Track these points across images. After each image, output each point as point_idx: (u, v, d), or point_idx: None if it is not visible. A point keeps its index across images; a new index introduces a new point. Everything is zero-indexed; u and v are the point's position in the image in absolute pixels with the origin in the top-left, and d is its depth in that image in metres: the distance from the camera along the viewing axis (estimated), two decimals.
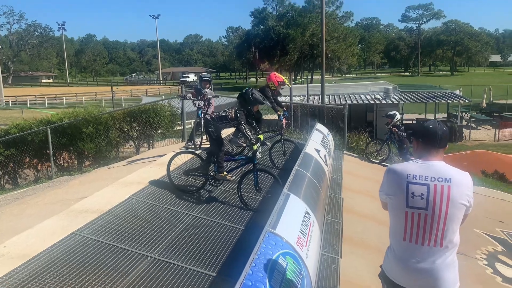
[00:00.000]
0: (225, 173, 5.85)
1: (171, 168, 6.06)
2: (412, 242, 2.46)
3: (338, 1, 70.86)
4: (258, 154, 6.03)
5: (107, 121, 11.11)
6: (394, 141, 9.65)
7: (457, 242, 2.48)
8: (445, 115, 28.75)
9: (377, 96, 24.88)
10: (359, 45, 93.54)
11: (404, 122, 26.05)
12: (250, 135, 5.77)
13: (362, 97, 24.92)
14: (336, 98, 24.58)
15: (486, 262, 5.50)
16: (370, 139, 11.61)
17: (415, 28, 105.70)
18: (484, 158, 17.94)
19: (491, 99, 35.84)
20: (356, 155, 10.52)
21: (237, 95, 6.35)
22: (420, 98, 24.49)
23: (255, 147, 5.69)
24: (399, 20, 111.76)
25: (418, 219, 2.43)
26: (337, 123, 12.15)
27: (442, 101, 25.25)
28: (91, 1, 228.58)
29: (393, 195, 2.53)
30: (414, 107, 29.13)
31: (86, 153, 11.60)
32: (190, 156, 6.68)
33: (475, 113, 30.90)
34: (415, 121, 26.90)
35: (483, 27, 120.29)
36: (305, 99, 23.21)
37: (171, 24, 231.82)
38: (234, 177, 5.96)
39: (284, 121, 7.94)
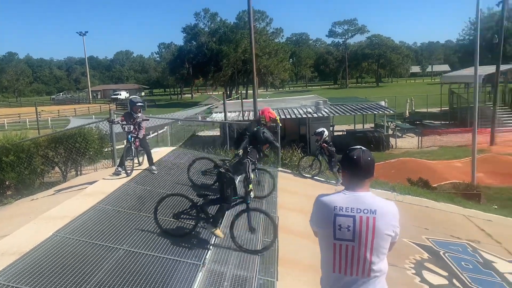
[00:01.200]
0: (219, 230, 5.43)
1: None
2: (341, 273, 2.50)
3: (268, 18, 72.75)
4: (252, 194, 6.02)
5: (29, 148, 10.40)
6: (324, 156, 10.02)
7: (385, 268, 2.53)
8: (373, 125, 30.28)
9: (309, 110, 25.65)
10: (290, 59, 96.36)
11: (335, 133, 27.18)
12: (251, 174, 5.76)
13: (295, 111, 25.57)
14: None
15: (414, 271, 5.77)
16: (302, 155, 11.89)
17: (341, 42, 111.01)
18: (409, 165, 19.04)
19: (413, 108, 38.33)
20: (290, 171, 10.70)
21: (250, 134, 6.40)
22: (348, 111, 25.57)
23: (250, 186, 5.68)
24: (326, 35, 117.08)
25: (346, 251, 2.46)
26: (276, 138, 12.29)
27: (369, 112, 26.57)
28: (10, 18, 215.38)
29: (321, 227, 2.56)
30: (343, 119, 30.37)
31: (7, 183, 10.77)
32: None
33: (400, 122, 32.80)
34: (344, 132, 28.07)
35: (403, 40, 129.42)
36: (240, 114, 23.34)
37: (100, 40, 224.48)
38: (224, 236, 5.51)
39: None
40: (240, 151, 6.08)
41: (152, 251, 4.98)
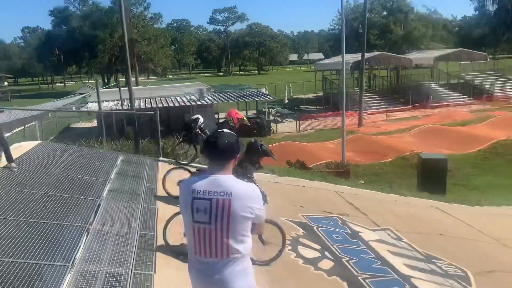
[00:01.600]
0: None
1: None
2: (201, 256, 2.53)
3: (146, 2, 69.96)
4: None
5: None
6: (200, 143, 9.93)
7: (246, 250, 2.56)
8: (255, 111, 31.24)
9: (192, 97, 25.47)
10: (172, 46, 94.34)
11: (220, 120, 27.39)
12: None
13: (178, 99, 25.17)
14: (152, 101, 24.22)
15: (290, 247, 6.05)
16: (178, 141, 11.68)
17: (222, 30, 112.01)
18: (289, 148, 20.10)
19: (292, 95, 40.47)
20: (173, 160, 10.46)
21: (245, 146, 5.77)
22: (231, 98, 26.03)
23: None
24: (208, 22, 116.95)
25: (204, 233, 2.49)
26: (156, 127, 11.89)
27: (251, 99, 27.36)
28: None
29: (183, 210, 2.58)
30: (227, 106, 30.76)
31: None
32: None
33: (280, 108, 34.40)
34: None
35: (281, 29, 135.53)
36: (119, 103, 22.17)
37: None
38: None
39: None
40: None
41: (12, 257, 4.42)
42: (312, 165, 15.35)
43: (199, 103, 24.10)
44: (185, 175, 7.67)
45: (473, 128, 23.01)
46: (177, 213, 5.10)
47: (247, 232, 2.54)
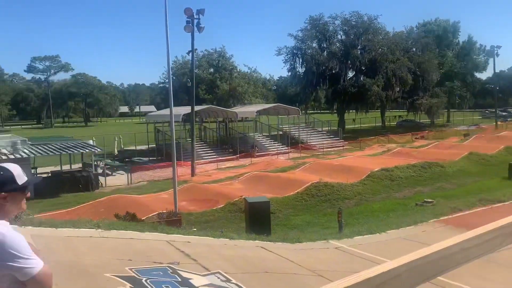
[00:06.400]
0: None
1: None
2: None
3: None
4: None
5: None
6: None
7: None
8: (81, 164, 29.07)
9: (4, 151, 22.45)
10: None
11: (40, 175, 24.56)
12: None
13: None
14: None
15: None
16: None
17: (43, 79, 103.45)
18: (119, 202, 19.10)
19: (122, 146, 39.13)
20: None
21: None
22: (52, 150, 23.79)
23: None
24: (25, 71, 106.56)
25: None
26: None
27: (75, 151, 25.45)
28: None
29: None
30: (48, 159, 27.95)
31: None
32: None
33: (110, 161, 32.76)
34: (49, 174, 25.81)
35: (110, 81, 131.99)
36: None
37: None
38: None
39: None
40: None
41: None
42: (144, 217, 14.85)
43: (11, 157, 21.31)
44: None
45: (291, 173, 25.60)
46: None
47: None
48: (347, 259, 10.30)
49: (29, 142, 25.17)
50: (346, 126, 55.14)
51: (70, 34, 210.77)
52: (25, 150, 23.04)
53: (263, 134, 45.13)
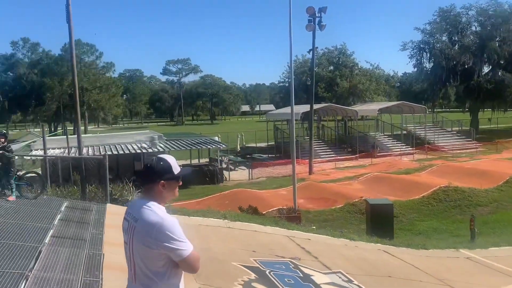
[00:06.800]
0: None
1: None
2: (128, 276, 2.55)
3: (98, 51, 69.85)
4: None
5: None
6: None
7: (155, 285, 2.42)
8: (208, 159, 31.18)
9: (143, 145, 25.12)
10: (124, 95, 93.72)
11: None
12: None
13: (129, 146, 24.75)
14: (101, 149, 23.63)
15: None
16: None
17: (176, 80, 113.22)
18: (241, 195, 20.05)
19: (244, 143, 40.97)
20: (121, 206, 10.14)
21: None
22: (183, 145, 25.90)
23: None
24: (161, 73, 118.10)
25: (125, 251, 2.55)
26: (104, 173, 11.55)
27: (203, 147, 27.37)
28: None
29: None
30: (179, 154, 30.55)
31: None
32: None
33: (233, 156, 34.56)
34: (181, 167, 28.12)
35: (233, 81, 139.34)
36: (65, 151, 21.43)
37: None
38: None
39: None
40: None
41: None
42: (264, 212, 15.36)
43: (150, 150, 23.77)
44: None
45: (416, 176, 24.09)
46: None
47: (154, 265, 2.41)
48: (481, 271, 9.38)
49: (164, 138, 27.79)
50: (480, 126, 49.85)
51: (199, 38, 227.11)
52: (161, 145, 25.49)
53: (385, 133, 43.19)
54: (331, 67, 56.99)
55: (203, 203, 18.62)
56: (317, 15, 26.32)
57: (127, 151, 23.31)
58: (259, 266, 7.34)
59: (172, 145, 25.87)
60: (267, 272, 7.07)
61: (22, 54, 71.39)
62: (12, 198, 8.35)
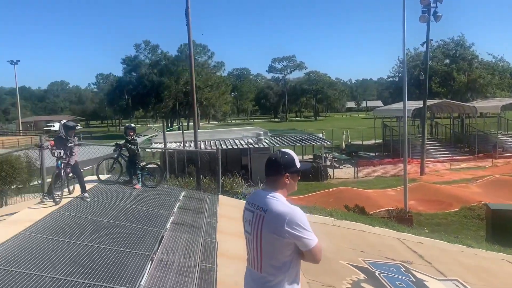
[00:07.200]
0: None
1: None
2: (249, 265, 2.68)
3: (210, 51, 73.79)
4: None
5: None
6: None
7: (281, 274, 2.51)
8: (311, 156, 31.12)
9: (250, 140, 25.96)
10: (232, 93, 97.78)
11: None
12: None
13: (237, 142, 25.76)
14: (211, 143, 24.96)
15: None
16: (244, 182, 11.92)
17: (281, 78, 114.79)
18: (346, 194, 19.65)
19: (349, 140, 40.04)
20: (231, 198, 10.64)
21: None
22: (288, 142, 26.17)
23: None
24: (266, 71, 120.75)
25: (248, 242, 2.64)
26: (214, 167, 12.23)
27: (308, 143, 27.37)
28: None
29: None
30: (284, 149, 30.94)
31: None
32: None
33: (337, 154, 34.03)
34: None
35: (339, 77, 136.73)
36: (181, 145, 23.06)
37: (33, 70, 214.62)
38: None
39: None
40: None
41: (82, 278, 4.66)
42: (371, 212, 14.89)
43: (256, 146, 24.49)
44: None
45: None
46: None
47: (282, 254, 2.49)
48: None
49: (270, 134, 28.39)
50: None
51: (305, 35, 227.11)
52: (266, 141, 26.08)
53: (509, 132, 38.87)
54: (447, 60, 52.87)
55: (306, 199, 18.65)
56: (432, 5, 24.64)
57: (234, 146, 24.29)
58: (368, 266, 7.16)
59: (277, 141, 26.31)
60: (376, 274, 6.86)
61: (143, 56, 78.57)
62: (138, 186, 9.26)
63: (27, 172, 10.44)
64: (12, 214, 6.93)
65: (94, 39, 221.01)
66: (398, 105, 37.75)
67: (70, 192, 7.94)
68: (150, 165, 10.88)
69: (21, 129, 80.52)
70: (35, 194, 10.64)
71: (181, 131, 25.38)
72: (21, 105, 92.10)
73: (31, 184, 11.03)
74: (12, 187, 10.52)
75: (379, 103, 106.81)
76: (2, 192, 10.38)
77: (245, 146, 24.26)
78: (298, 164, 2.65)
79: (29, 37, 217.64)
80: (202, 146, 23.78)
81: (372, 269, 7.09)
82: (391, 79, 63.82)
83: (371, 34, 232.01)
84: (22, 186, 10.76)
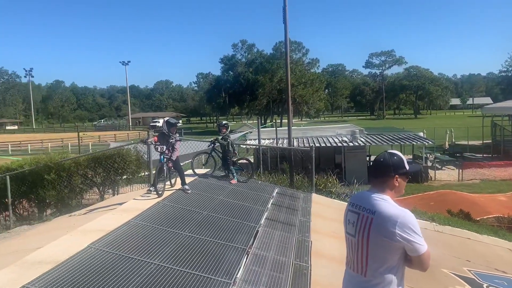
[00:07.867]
0: None
1: None
2: (350, 268, 2.58)
3: (304, 48, 73.63)
4: None
5: (70, 167, 10.75)
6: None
7: (386, 279, 2.41)
8: (411, 156, 29.51)
9: (344, 138, 25.38)
10: (326, 90, 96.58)
11: (416, 163, 26.24)
12: None
13: (330, 139, 25.36)
14: (304, 141, 24.90)
15: None
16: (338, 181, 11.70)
17: (378, 73, 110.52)
18: (449, 197, 18.30)
19: (453, 140, 37.21)
20: (325, 197, 10.52)
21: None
22: (385, 140, 25.10)
23: None
24: (363, 66, 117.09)
25: (351, 245, 2.55)
26: (306, 165, 12.20)
27: (407, 143, 25.97)
28: (60, 47, 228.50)
29: (344, 220, 2.69)
30: (380, 149, 29.80)
31: (47, 201, 11.13)
32: None
33: (439, 154, 31.84)
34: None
35: (442, 72, 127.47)
36: (274, 142, 23.38)
37: (141, 70, 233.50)
38: None
39: None
40: None
41: (183, 267, 4.95)
42: (478, 218, 13.68)
43: (351, 144, 23.88)
44: None
45: None
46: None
47: (390, 258, 2.40)
48: None
49: (365, 132, 27.48)
50: None
51: (404, 29, 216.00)
52: (362, 139, 25.28)
53: None
54: None
55: (404, 201, 17.70)
56: None
57: (328, 144, 23.94)
58: (474, 277, 6.59)
59: (373, 140, 25.37)
60: (484, 286, 6.29)
61: (240, 55, 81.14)
62: (234, 181, 9.58)
63: (136, 164, 11.36)
64: (121, 204, 7.60)
65: (196, 41, 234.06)
66: (511, 102, 34.14)
67: (172, 185, 8.48)
68: (242, 161, 11.19)
69: (130, 124, 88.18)
70: (142, 184, 11.56)
71: (274, 128, 25.78)
72: (130, 102, 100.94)
73: (139, 175, 11.98)
74: (123, 178, 11.53)
75: (488, 100, 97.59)
76: (115, 182, 11.45)
77: (339, 144, 23.79)
78: (407, 166, 2.55)
79: (139, 40, 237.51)
80: (295, 143, 23.82)
81: (480, 280, 6.52)
82: (503, 73, 58.06)
83: (478, 25, 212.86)
84: (132, 177, 11.74)
